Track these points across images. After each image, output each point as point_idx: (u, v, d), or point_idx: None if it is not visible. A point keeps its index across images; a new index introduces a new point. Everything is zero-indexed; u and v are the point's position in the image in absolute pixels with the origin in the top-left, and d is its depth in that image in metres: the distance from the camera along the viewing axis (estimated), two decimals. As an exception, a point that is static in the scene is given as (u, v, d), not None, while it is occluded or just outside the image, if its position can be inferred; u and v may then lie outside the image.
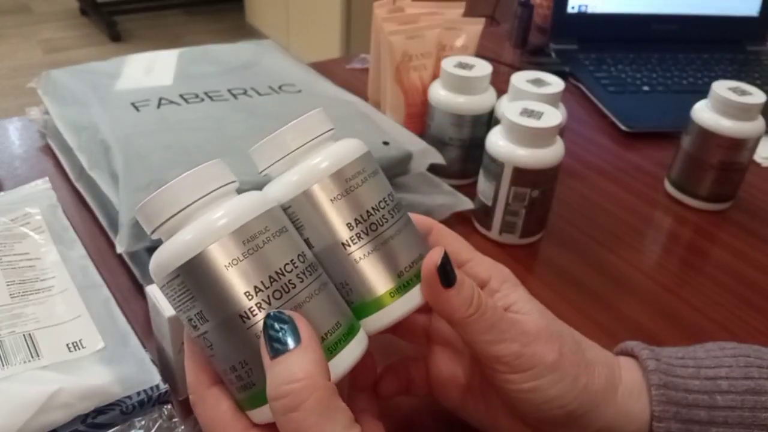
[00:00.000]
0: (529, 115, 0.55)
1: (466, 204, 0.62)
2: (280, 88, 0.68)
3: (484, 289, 0.36)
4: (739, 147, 0.63)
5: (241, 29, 3.14)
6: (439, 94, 0.64)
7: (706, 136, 0.63)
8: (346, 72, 0.90)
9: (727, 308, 0.54)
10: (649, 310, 0.54)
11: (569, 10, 0.97)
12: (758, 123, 0.63)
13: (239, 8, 3.20)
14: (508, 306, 0.35)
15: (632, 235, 0.63)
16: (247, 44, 0.80)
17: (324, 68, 0.82)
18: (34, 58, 2.79)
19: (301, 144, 0.33)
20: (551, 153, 0.55)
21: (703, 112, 0.64)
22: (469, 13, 0.75)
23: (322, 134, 0.33)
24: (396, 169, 0.59)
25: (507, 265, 0.37)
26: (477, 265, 0.36)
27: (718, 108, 0.63)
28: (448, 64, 0.64)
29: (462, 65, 0.64)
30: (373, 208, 0.33)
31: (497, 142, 0.56)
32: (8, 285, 0.44)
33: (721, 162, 0.64)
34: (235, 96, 0.65)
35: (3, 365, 0.38)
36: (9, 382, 0.38)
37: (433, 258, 0.32)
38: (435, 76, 0.69)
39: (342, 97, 0.69)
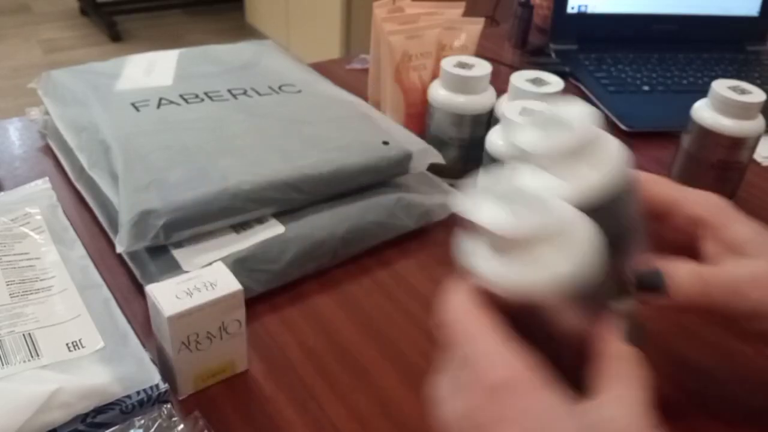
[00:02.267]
0: (529, 115, 0.55)
1: (466, 204, 0.61)
2: (280, 88, 0.68)
3: (702, 226, 0.35)
4: (739, 146, 0.63)
5: (241, 29, 3.14)
6: (438, 93, 0.64)
7: (706, 135, 0.63)
8: (345, 72, 0.90)
9: (727, 308, 0.54)
10: (649, 310, 0.53)
11: (569, 10, 0.97)
12: (758, 122, 0.63)
13: (239, 8, 3.21)
14: (738, 246, 0.34)
15: (632, 235, 0.62)
16: (247, 44, 0.80)
17: (324, 68, 0.82)
18: (34, 58, 2.79)
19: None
20: (551, 152, 0.55)
21: (703, 111, 0.64)
22: (469, 13, 0.75)
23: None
24: (396, 169, 0.59)
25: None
26: (687, 204, 0.35)
27: (718, 107, 0.63)
28: (447, 64, 0.64)
29: (462, 65, 0.64)
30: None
31: (497, 141, 0.56)
32: (8, 285, 0.45)
33: (721, 161, 0.64)
34: (235, 96, 0.65)
35: (3, 365, 0.38)
36: (9, 382, 0.38)
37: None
38: (435, 75, 0.69)
39: (342, 97, 0.69)
